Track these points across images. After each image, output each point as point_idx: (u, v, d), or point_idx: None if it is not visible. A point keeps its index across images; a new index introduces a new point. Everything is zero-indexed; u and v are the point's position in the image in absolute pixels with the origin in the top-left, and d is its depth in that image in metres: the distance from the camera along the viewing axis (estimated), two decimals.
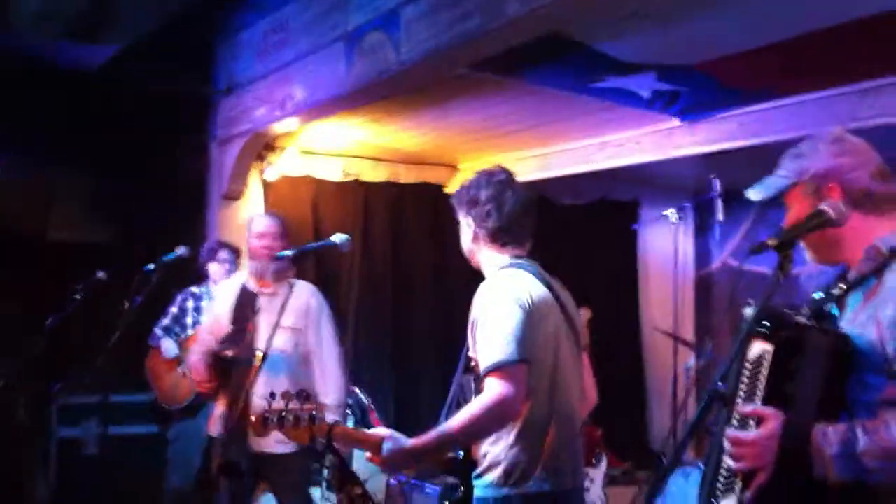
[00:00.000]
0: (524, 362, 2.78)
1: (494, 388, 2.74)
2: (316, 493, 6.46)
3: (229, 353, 4.43)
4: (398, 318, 7.81)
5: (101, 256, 5.87)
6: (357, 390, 6.80)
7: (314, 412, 2.58)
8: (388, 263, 7.80)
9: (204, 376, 4.53)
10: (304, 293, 4.66)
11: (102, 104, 6.21)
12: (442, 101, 5.84)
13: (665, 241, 8.44)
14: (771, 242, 2.16)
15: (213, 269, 5.92)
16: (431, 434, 2.83)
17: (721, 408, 2.24)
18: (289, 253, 3.50)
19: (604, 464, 5.36)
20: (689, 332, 8.49)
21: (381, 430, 2.81)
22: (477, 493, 2.93)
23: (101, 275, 5.21)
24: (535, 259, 3.15)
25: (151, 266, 4.94)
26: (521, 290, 2.90)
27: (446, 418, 3.02)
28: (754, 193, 2.45)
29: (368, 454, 2.81)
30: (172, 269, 5.10)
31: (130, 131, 6.36)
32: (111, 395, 5.31)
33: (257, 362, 3.69)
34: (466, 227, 3.13)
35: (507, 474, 2.86)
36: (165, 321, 5.92)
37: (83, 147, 6.31)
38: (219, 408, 4.59)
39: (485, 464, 2.92)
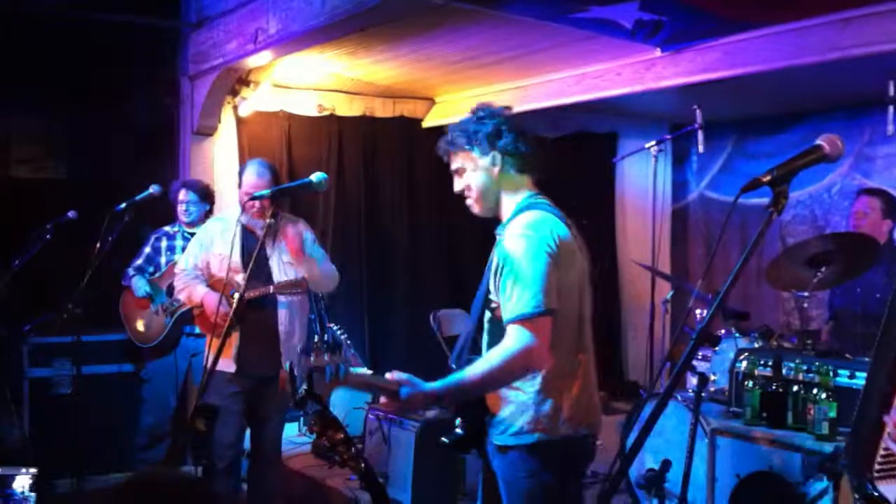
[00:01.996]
0: (550, 313, 2.74)
1: (519, 338, 2.72)
2: (292, 429, 6.50)
3: (258, 292, 4.48)
4: (373, 255, 7.79)
5: (69, 195, 5.78)
6: (333, 326, 6.80)
7: (339, 364, 2.56)
8: (363, 199, 7.75)
9: (222, 315, 4.45)
10: (298, 230, 4.75)
11: (69, 38, 6.04)
12: (419, 32, 5.72)
13: (643, 173, 8.44)
14: (765, 178, 2.09)
15: (179, 209, 5.84)
16: (451, 380, 2.80)
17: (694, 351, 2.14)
18: (265, 193, 3.44)
19: None
20: (665, 265, 8.51)
21: (398, 376, 2.76)
22: (499, 441, 2.91)
23: (71, 214, 5.15)
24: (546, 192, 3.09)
25: (122, 205, 4.87)
26: (548, 233, 2.82)
27: (456, 361, 3.01)
28: None
29: (384, 399, 2.79)
30: (144, 207, 5.03)
31: (98, 67, 6.21)
32: (83, 335, 5.26)
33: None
34: (489, 164, 2.98)
35: (535, 421, 2.84)
36: (138, 261, 5.84)
37: (49, 83, 6.16)
38: (231, 343, 4.56)
39: (507, 411, 2.89)
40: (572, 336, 2.89)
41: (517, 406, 2.86)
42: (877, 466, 2.00)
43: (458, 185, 3.07)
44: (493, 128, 2.96)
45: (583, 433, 2.93)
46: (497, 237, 3.00)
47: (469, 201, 3.07)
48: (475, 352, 3.00)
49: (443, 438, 2.97)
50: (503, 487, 2.94)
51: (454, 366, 3.00)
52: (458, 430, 2.97)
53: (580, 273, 2.94)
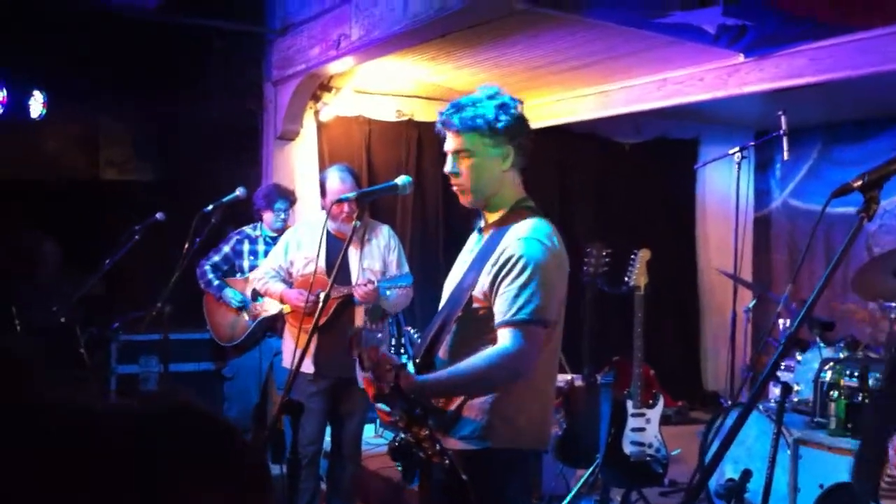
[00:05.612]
0: (548, 324, 2.66)
1: (514, 342, 2.59)
2: (369, 430, 6.55)
3: (340, 293, 4.57)
4: (450, 259, 7.75)
5: (155, 196, 5.93)
6: (411, 330, 6.84)
7: (378, 334, 2.54)
8: (441, 204, 7.77)
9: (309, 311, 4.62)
10: (383, 236, 4.85)
11: (157, 44, 6.20)
12: (500, 38, 5.72)
13: (724, 180, 8.35)
14: (857, 184, 2.06)
15: (268, 218, 5.89)
16: (441, 375, 2.68)
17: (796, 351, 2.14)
18: (351, 195, 3.51)
19: (661, 404, 5.34)
20: (747, 273, 8.39)
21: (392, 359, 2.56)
22: (447, 443, 2.67)
23: (159, 216, 5.28)
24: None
25: (210, 207, 4.98)
26: (556, 243, 2.73)
27: (424, 356, 2.83)
28: None
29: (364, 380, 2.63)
30: (229, 208, 5.15)
31: (186, 71, 6.36)
32: (171, 334, 5.39)
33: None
34: (497, 158, 2.77)
35: (489, 427, 2.68)
36: (216, 258, 5.92)
37: (137, 87, 6.33)
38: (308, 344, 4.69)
39: (462, 411, 2.73)
40: (549, 350, 2.77)
41: (475, 409, 2.71)
42: (885, 484, 2.01)
43: (452, 166, 2.82)
44: (515, 120, 2.76)
45: (531, 449, 2.82)
46: (477, 232, 2.91)
47: (457, 188, 2.85)
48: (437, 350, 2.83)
49: (395, 440, 2.68)
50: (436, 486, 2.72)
51: (417, 360, 2.82)
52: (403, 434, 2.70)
53: (566, 286, 2.83)
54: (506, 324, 2.62)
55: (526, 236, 2.69)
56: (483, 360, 2.62)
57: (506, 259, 2.67)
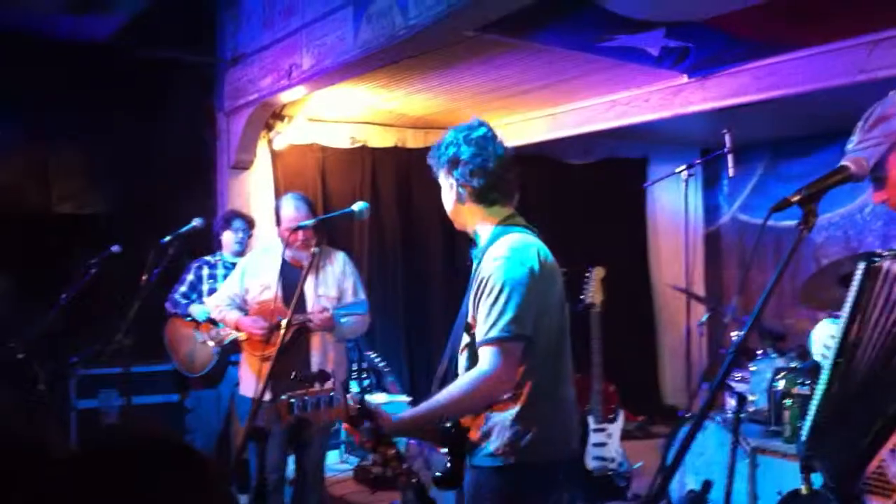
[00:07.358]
0: (522, 339, 2.71)
1: (489, 361, 2.68)
2: (334, 456, 6.56)
3: (298, 320, 4.56)
4: (409, 283, 7.87)
5: (109, 228, 5.90)
6: (372, 354, 6.87)
7: (331, 394, 2.58)
8: (398, 228, 7.84)
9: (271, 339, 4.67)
10: (338, 263, 4.86)
11: (109, 76, 6.19)
12: (450, 64, 5.82)
13: (674, 198, 8.49)
14: (794, 198, 2.14)
15: (227, 238, 5.94)
16: (419, 408, 2.77)
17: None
18: (309, 223, 3.56)
19: (621, 419, 5.42)
20: (699, 288, 8.54)
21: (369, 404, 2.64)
22: (473, 461, 2.81)
23: (115, 248, 5.26)
24: (523, 214, 3.04)
25: (167, 238, 4.99)
26: (532, 256, 2.80)
27: (440, 388, 2.89)
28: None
29: (347, 425, 2.69)
30: (186, 239, 5.15)
31: (137, 103, 6.36)
32: (132, 367, 5.35)
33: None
34: (449, 189, 2.96)
35: (510, 444, 2.75)
36: (182, 288, 5.91)
37: (89, 119, 6.31)
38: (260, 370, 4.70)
39: (486, 430, 2.80)
40: (554, 355, 2.84)
41: (496, 427, 2.78)
42: (870, 482, 2.03)
43: None
44: (452, 156, 2.90)
45: (555, 460, 2.84)
46: (473, 260, 2.96)
47: None
48: (455, 376, 2.91)
49: (437, 473, 2.82)
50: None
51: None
52: (447, 464, 2.83)
53: (561, 293, 2.92)
54: (481, 344, 2.71)
55: (497, 256, 2.78)
56: (458, 388, 2.72)
57: (479, 282, 2.79)
